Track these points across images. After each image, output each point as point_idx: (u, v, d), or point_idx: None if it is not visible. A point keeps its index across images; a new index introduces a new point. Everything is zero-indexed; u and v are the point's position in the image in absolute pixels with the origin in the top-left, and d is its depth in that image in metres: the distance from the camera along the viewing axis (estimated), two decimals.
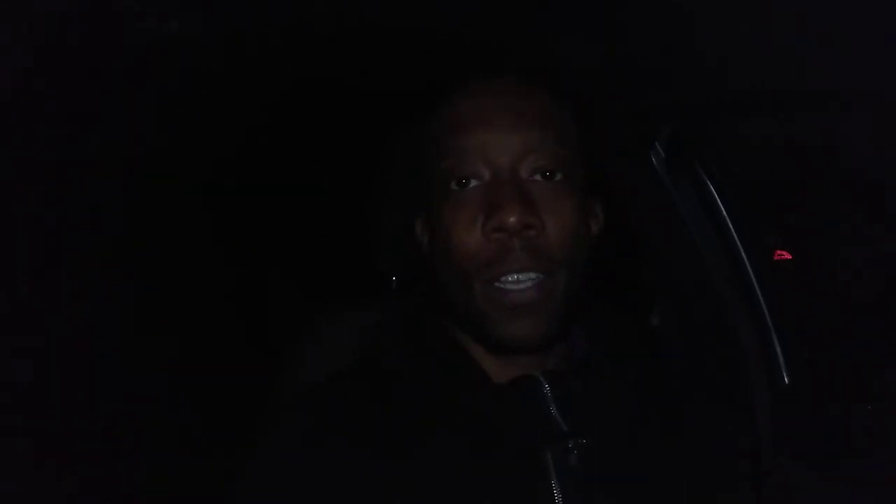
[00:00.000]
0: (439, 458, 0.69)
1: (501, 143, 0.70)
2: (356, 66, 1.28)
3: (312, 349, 1.05)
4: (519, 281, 0.68)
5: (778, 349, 1.34)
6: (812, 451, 1.20)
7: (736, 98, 1.07)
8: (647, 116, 1.23)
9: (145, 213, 1.67)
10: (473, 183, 0.70)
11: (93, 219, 1.50)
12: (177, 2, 0.93)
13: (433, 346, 0.76)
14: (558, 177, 0.71)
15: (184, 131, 1.53)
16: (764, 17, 0.86)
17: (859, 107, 1.06)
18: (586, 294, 0.74)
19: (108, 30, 0.98)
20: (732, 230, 1.34)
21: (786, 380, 1.33)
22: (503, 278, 0.68)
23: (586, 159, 0.75)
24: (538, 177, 0.70)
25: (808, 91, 0.95)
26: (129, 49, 1.06)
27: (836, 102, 1.03)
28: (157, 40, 1.01)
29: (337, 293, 1.31)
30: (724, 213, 1.33)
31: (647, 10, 0.97)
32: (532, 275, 0.68)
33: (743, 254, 1.34)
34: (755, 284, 1.34)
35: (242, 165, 1.95)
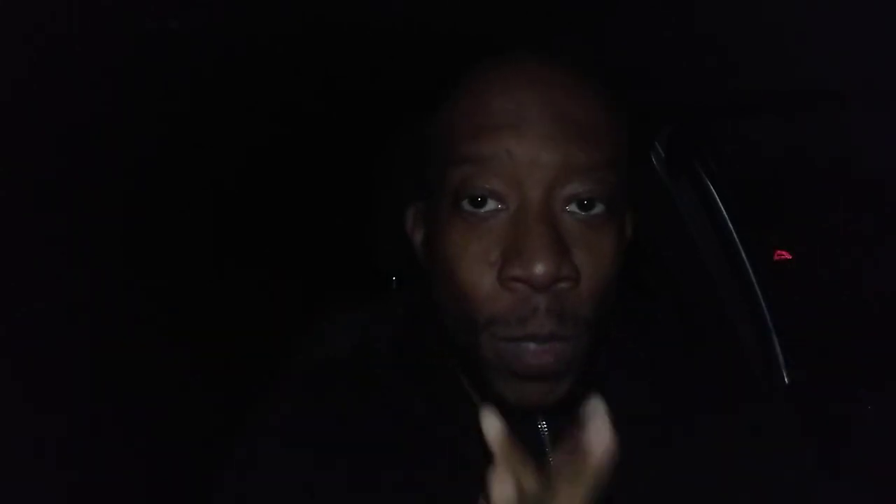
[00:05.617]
0: (405, 486, 0.59)
1: (537, 158, 0.53)
2: (355, 64, 1.28)
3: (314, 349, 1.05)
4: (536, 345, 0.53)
5: (778, 349, 1.34)
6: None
7: (736, 98, 1.07)
8: (647, 116, 1.23)
9: (147, 213, 1.67)
10: (492, 205, 0.54)
11: (95, 220, 1.50)
12: (177, 1, 0.93)
13: (417, 359, 0.65)
14: (597, 209, 0.54)
15: (185, 131, 1.53)
16: (764, 16, 0.86)
17: (859, 107, 1.06)
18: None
19: (108, 29, 0.98)
20: (732, 229, 1.34)
21: (786, 380, 1.33)
22: (517, 342, 0.53)
23: (628, 176, 0.59)
24: (573, 206, 0.54)
25: (808, 91, 0.95)
26: (129, 49, 1.06)
27: (836, 102, 1.03)
28: (156, 39, 1.01)
29: (338, 295, 1.31)
30: (724, 212, 1.33)
31: (646, 9, 0.97)
32: (554, 342, 0.53)
33: (742, 253, 1.34)
34: (755, 284, 1.34)
35: (243, 165, 1.95)
